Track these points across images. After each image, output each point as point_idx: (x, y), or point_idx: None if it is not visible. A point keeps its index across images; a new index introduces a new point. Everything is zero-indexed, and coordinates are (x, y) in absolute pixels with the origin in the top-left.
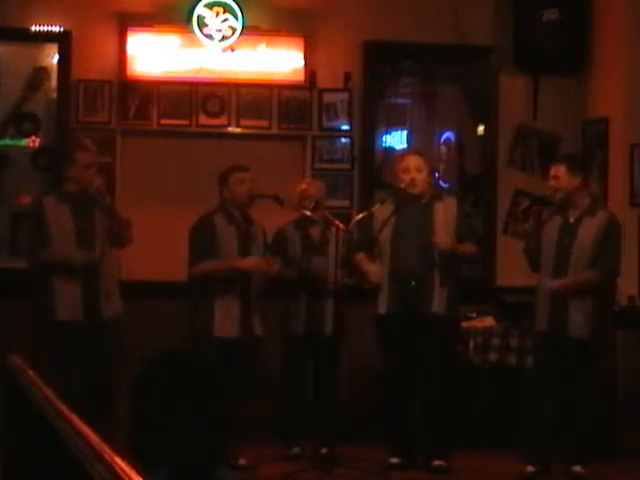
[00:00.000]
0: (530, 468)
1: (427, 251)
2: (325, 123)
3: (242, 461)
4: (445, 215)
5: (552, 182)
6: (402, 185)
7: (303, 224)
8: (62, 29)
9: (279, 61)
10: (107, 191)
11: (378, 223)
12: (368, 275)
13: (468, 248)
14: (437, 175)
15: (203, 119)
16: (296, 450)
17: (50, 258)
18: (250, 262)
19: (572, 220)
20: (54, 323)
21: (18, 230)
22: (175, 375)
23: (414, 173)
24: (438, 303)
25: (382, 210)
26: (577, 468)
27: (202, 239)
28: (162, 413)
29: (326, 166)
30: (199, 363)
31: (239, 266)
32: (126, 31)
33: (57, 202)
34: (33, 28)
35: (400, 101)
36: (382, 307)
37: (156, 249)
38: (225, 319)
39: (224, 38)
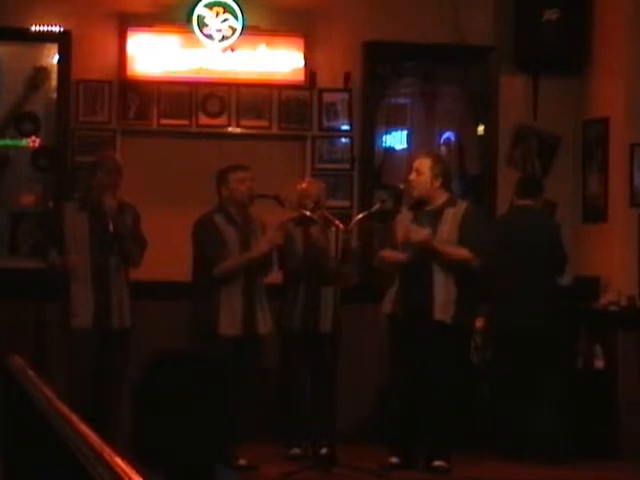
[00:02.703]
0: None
1: (429, 258)
2: (325, 123)
3: (242, 461)
4: (453, 220)
5: None
6: (401, 186)
7: (303, 223)
8: (62, 29)
9: (279, 61)
10: (127, 209)
11: (399, 229)
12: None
13: (458, 252)
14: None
15: (203, 119)
16: (296, 450)
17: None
18: (263, 247)
19: None
20: (70, 329)
21: (18, 230)
22: (179, 375)
23: (413, 175)
24: (441, 310)
25: (404, 215)
26: None
27: (208, 238)
28: (166, 413)
29: (326, 166)
30: (203, 363)
31: (257, 255)
32: (126, 31)
33: (78, 209)
34: (33, 28)
35: (400, 101)
36: (386, 307)
37: (156, 249)
38: (230, 317)
39: (224, 38)
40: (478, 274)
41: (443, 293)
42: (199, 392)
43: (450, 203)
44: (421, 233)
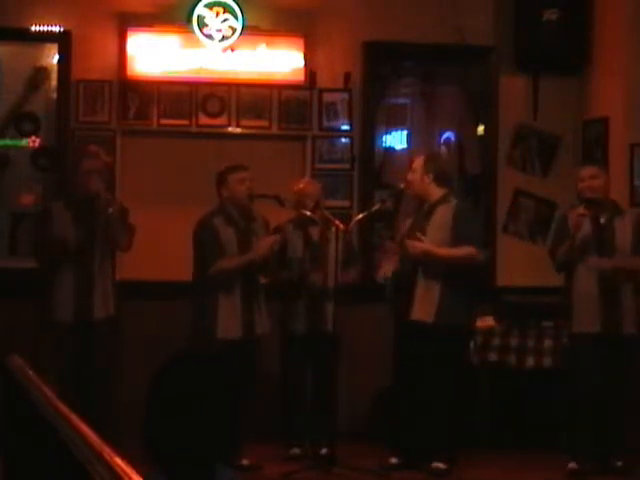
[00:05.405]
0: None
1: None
2: (325, 123)
3: (245, 461)
4: (442, 218)
5: (588, 182)
6: (402, 185)
7: (302, 224)
8: (62, 29)
9: (279, 61)
10: (111, 195)
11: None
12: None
13: (460, 251)
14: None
15: (203, 119)
16: (296, 450)
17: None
18: (262, 250)
19: (603, 220)
20: (52, 323)
21: (18, 230)
22: (183, 376)
23: (407, 173)
24: (422, 310)
25: (405, 217)
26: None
27: (208, 241)
28: (179, 414)
29: (326, 166)
30: (206, 364)
31: (255, 257)
32: (126, 31)
33: (64, 209)
34: (33, 28)
35: (400, 101)
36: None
37: (156, 249)
38: (229, 320)
39: (224, 38)
40: (475, 271)
41: (424, 293)
42: (203, 393)
43: (443, 200)
44: (418, 246)
